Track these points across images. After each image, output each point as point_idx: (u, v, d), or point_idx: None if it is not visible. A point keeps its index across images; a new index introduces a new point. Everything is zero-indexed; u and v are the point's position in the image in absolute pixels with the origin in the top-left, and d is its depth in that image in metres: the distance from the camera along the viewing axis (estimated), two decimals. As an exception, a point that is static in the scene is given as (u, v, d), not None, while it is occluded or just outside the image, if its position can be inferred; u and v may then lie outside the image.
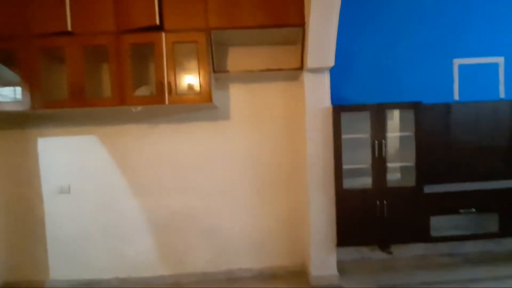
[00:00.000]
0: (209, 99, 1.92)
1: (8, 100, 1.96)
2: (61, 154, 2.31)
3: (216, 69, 2.08)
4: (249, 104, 2.33)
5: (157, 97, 1.89)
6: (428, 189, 2.12)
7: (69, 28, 1.87)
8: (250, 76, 2.24)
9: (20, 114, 2.17)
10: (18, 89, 1.93)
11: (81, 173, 2.31)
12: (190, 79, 2.09)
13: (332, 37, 1.93)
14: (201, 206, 2.34)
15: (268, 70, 2.14)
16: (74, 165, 2.31)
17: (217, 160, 2.33)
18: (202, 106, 2.13)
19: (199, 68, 1.92)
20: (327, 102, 2.13)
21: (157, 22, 1.85)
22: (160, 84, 1.88)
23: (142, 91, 1.98)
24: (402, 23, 2.43)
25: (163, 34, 1.88)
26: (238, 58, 2.27)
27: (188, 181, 2.33)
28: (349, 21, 2.30)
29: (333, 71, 2.13)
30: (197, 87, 1.98)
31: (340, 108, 2.08)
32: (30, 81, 1.90)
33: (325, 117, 2.12)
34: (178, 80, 1.98)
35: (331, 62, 2.00)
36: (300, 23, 1.96)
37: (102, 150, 2.31)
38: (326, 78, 2.11)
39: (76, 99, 1.90)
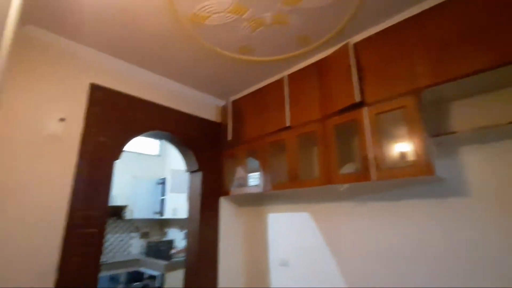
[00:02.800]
0: (429, 170, 1.50)
1: (253, 184, 2.61)
2: (282, 229, 2.64)
3: (435, 132, 1.68)
4: (496, 172, 1.59)
5: (362, 174, 1.75)
6: None
7: (288, 124, 2.30)
8: (488, 134, 1.58)
9: (257, 195, 2.82)
10: (257, 176, 2.55)
11: (297, 247, 2.47)
12: (400, 149, 1.81)
13: None
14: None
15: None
16: (292, 240, 2.53)
17: (446, 254, 1.65)
18: (422, 179, 1.71)
19: (410, 136, 1.62)
20: None
21: (357, 99, 1.85)
22: (365, 160, 1.75)
23: (347, 169, 1.94)
24: None
25: (365, 109, 1.83)
26: (464, 113, 1.72)
27: (397, 276, 1.79)
28: None
29: None
30: (410, 158, 1.65)
31: None
32: (264, 170, 2.45)
33: None
34: (386, 152, 1.77)
35: None
36: None
37: (313, 226, 2.39)
38: None
39: (293, 181, 2.18)
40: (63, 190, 1.89)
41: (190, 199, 2.85)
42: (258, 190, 2.47)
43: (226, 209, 2.92)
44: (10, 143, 1.75)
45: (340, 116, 1.97)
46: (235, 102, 2.96)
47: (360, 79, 1.91)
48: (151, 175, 4.51)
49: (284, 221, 2.64)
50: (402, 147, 1.79)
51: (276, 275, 2.58)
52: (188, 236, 2.76)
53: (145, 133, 2.48)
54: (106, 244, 3.95)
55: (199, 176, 2.82)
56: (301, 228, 2.48)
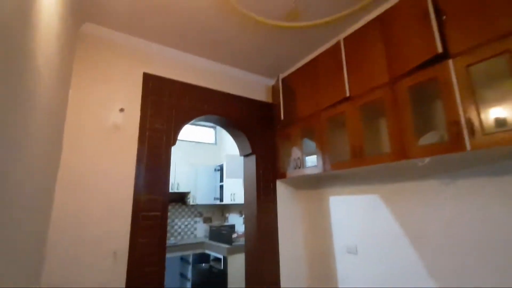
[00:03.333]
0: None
1: (310, 165, 2.40)
2: (347, 213, 2.39)
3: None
4: None
5: (452, 143, 1.39)
6: None
7: (347, 94, 2.01)
8: None
9: (316, 177, 2.61)
10: (314, 156, 2.33)
11: (366, 233, 2.20)
12: (504, 108, 1.38)
13: None
14: None
15: None
16: (359, 225, 2.26)
17: None
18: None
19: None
20: None
21: (439, 50, 1.46)
22: (454, 125, 1.38)
23: (428, 139, 1.58)
24: None
25: (450, 62, 1.44)
26: None
27: (501, 273, 1.38)
28: None
29: None
30: (522, 118, 1.23)
31: None
32: (322, 148, 2.22)
33: None
34: (484, 114, 1.36)
35: None
36: None
37: (385, 210, 2.08)
38: None
39: (357, 158, 1.90)
40: (128, 176, 2.00)
41: (246, 183, 2.80)
42: (317, 171, 2.25)
43: (283, 192, 2.79)
44: (80, 136, 1.90)
45: (414, 75, 1.61)
46: (285, 80, 2.75)
47: (441, 24, 1.51)
48: (209, 162, 4.66)
49: (349, 205, 2.38)
50: (507, 106, 1.36)
51: (343, 263, 2.36)
52: (245, 221, 2.72)
53: (197, 118, 2.48)
54: (174, 228, 4.26)
55: (253, 159, 2.74)
56: (370, 213, 2.19)
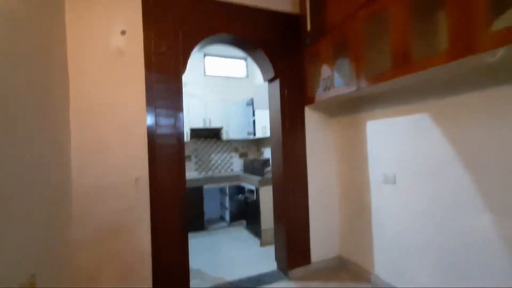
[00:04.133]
0: None
1: (340, 85, 2.01)
2: (386, 139, 2.03)
3: None
4: None
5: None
6: None
7: (392, -24, 1.46)
8: None
9: (351, 99, 2.21)
10: (347, 71, 1.91)
11: (407, 161, 1.86)
12: None
13: None
14: None
15: None
16: (399, 152, 1.92)
17: None
18: None
19: None
20: None
21: None
22: None
23: (506, 21, 1.06)
24: None
25: None
26: None
27: None
28: None
29: None
30: None
31: None
32: (356, 61, 1.79)
33: None
34: None
35: None
36: None
37: (432, 132, 1.68)
38: None
39: (400, 66, 1.47)
40: (139, 106, 1.91)
41: (271, 112, 2.55)
42: (351, 89, 1.87)
43: (312, 120, 2.49)
44: (86, 64, 1.79)
45: None
46: (313, -22, 2.18)
47: None
48: (241, 97, 4.45)
49: (389, 129, 2.00)
50: None
51: (378, 194, 2.11)
52: (272, 152, 2.56)
53: (209, 38, 2.17)
54: (212, 162, 4.40)
55: (277, 84, 2.42)
56: (414, 136, 1.80)
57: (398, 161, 1.93)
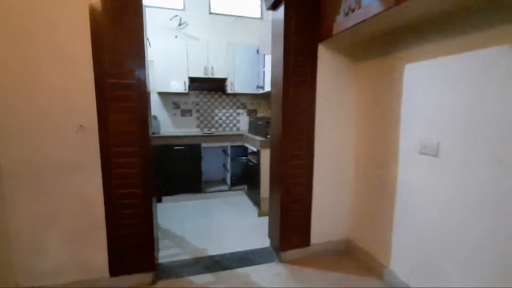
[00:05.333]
0: None
1: (371, 1, 1.31)
2: (432, 90, 1.37)
3: None
4: None
5: None
6: None
7: None
8: None
9: (384, 28, 1.50)
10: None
11: (463, 124, 1.22)
12: None
13: None
14: None
15: None
16: (452, 110, 1.27)
17: None
18: None
19: None
20: None
21: None
22: None
23: None
24: None
25: None
26: None
27: None
28: None
29: None
30: None
31: None
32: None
33: None
34: None
35: None
36: None
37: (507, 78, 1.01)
38: None
39: None
40: (82, 26, 1.40)
41: (273, 50, 1.92)
42: (387, 4, 1.19)
43: (327, 64, 1.84)
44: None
45: None
46: None
47: None
48: (252, 42, 3.73)
49: (437, 74, 1.33)
50: None
51: (410, 168, 1.52)
52: (271, 105, 1.99)
53: None
54: (215, 119, 3.91)
55: (281, 11, 1.75)
56: (480, 85, 1.14)
57: (446, 124, 1.29)
